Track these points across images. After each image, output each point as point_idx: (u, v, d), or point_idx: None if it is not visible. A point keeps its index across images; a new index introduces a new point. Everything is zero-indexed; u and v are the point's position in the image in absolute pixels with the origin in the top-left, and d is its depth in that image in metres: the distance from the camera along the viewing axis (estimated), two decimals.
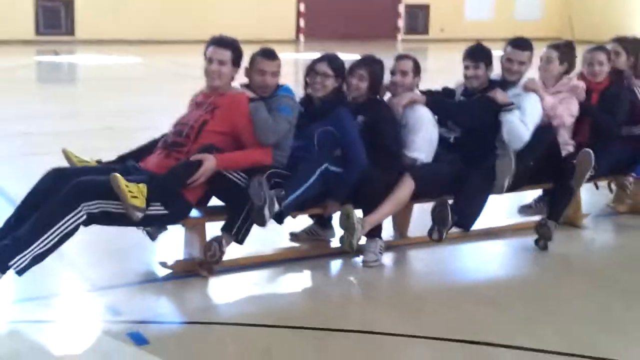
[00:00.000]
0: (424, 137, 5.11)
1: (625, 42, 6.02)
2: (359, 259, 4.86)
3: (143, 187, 4.13)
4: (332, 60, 5.00)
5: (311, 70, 4.99)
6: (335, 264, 4.91)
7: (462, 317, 4.14)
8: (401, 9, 24.19)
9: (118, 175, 4.03)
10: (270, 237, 5.00)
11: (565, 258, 5.20)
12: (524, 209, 6.04)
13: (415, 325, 4.01)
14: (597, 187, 6.02)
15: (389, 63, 5.25)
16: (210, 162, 4.34)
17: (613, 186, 6.01)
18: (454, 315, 4.18)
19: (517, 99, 5.30)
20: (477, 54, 5.34)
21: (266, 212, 4.33)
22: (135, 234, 4.71)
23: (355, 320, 4.11)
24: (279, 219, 4.58)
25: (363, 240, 4.81)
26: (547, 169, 5.35)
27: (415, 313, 4.20)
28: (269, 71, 4.78)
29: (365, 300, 4.50)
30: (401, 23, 24.36)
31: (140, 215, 4.09)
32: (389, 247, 5.07)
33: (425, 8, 24.54)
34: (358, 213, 4.76)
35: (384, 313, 4.20)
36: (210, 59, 4.66)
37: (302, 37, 22.82)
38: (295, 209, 4.65)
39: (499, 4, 25.23)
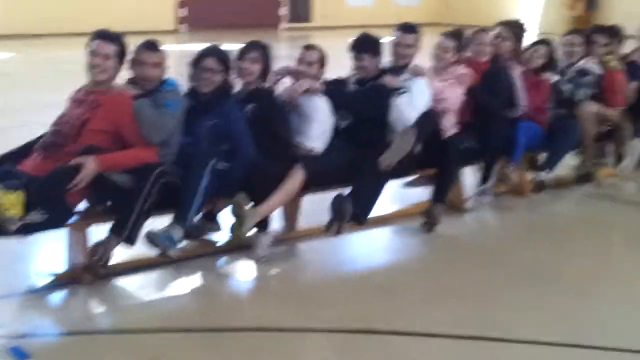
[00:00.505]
0: (319, 127, 5.09)
1: (510, 26, 6.18)
2: (250, 255, 4.78)
3: (19, 194, 3.91)
4: (219, 55, 4.89)
5: (197, 65, 4.86)
6: (225, 262, 4.82)
7: (357, 307, 4.15)
8: None
9: None
10: None
11: (453, 241, 5.30)
12: (409, 184, 6.07)
13: (310, 318, 3.99)
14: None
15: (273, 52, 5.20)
16: (90, 165, 4.15)
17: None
18: (349, 305, 4.18)
19: (407, 83, 5.36)
20: (361, 46, 5.36)
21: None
22: (14, 243, 4.46)
23: (248, 318, 4.03)
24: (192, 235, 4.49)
25: (253, 234, 4.75)
26: (432, 152, 5.42)
27: (309, 306, 4.17)
28: (149, 63, 4.63)
29: (258, 296, 4.44)
30: (284, 11, 24.28)
31: (15, 226, 3.89)
32: (279, 240, 5.02)
33: None
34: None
35: (278, 308, 4.14)
36: (93, 52, 4.47)
37: (183, 28, 22.39)
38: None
39: None
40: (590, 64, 6.39)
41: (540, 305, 4.23)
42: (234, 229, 4.65)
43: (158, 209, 4.40)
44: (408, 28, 5.56)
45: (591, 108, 6.28)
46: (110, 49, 4.48)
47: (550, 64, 6.22)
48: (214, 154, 4.61)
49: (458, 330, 3.85)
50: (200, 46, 5.00)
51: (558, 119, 6.20)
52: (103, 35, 4.52)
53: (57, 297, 4.24)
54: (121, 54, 4.53)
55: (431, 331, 3.84)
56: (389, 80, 5.31)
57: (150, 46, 4.68)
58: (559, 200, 6.24)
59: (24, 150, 4.51)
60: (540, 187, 6.01)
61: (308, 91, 5.10)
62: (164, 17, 22.32)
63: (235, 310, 4.18)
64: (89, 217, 4.45)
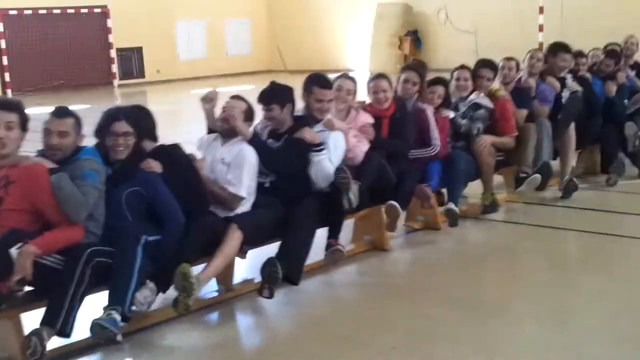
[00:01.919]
0: (247, 174, 4.93)
1: (416, 69, 6.28)
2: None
3: None
4: (129, 116, 4.58)
5: (105, 130, 4.52)
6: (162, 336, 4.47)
7: None
8: (113, 53, 23.47)
9: None
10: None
11: (382, 281, 5.35)
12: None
13: None
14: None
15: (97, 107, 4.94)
16: (28, 254, 3.79)
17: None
18: None
19: (323, 135, 5.29)
20: (268, 97, 5.23)
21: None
22: None
23: None
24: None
25: None
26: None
27: None
28: (56, 131, 4.26)
29: None
30: (115, 68, 23.64)
31: None
32: (215, 303, 4.80)
33: (138, 51, 24.06)
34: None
35: None
36: None
37: (9, 92, 21.21)
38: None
39: (211, 42, 25.46)
40: (481, 98, 6.63)
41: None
42: (179, 303, 4.34)
43: (92, 287, 4.07)
44: (327, 84, 5.44)
45: (486, 140, 6.50)
46: (11, 117, 4.13)
47: (446, 102, 6.41)
48: (143, 228, 4.32)
49: None
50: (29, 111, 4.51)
51: (454, 153, 6.36)
52: (3, 105, 4.16)
53: None
54: (24, 123, 4.18)
55: None
56: (308, 135, 5.21)
57: (58, 113, 4.33)
58: (471, 230, 6.41)
59: None
60: (453, 219, 6.10)
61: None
62: None
63: None
64: (21, 304, 4.00)
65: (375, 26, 23.37)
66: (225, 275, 4.97)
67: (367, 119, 5.78)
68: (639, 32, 13.89)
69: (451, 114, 6.44)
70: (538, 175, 6.67)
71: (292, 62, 25.21)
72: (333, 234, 5.24)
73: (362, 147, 5.57)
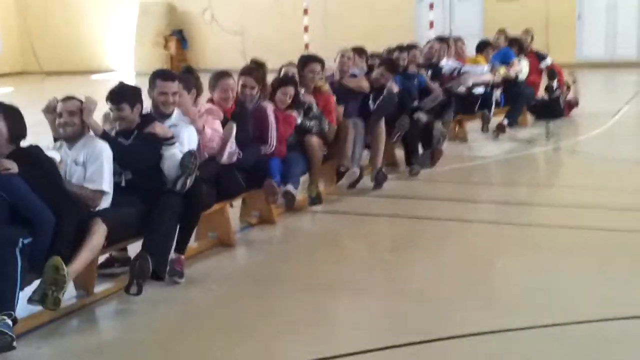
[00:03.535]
0: (107, 169, 4.89)
1: (253, 73, 6.48)
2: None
3: None
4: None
5: None
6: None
7: None
8: None
9: None
10: None
11: (242, 273, 5.59)
12: None
13: None
14: (231, 206, 6.36)
15: None
16: None
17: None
18: None
19: (174, 130, 5.35)
20: (118, 97, 5.22)
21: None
22: None
23: None
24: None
25: None
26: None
27: None
28: None
29: None
30: None
31: None
32: (75, 309, 4.73)
33: None
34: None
35: None
36: None
37: None
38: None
39: None
40: (304, 96, 6.99)
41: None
42: (47, 298, 4.25)
43: None
44: (170, 76, 5.52)
45: (315, 139, 6.90)
46: None
47: (296, 101, 6.77)
48: (19, 231, 4.20)
49: None
50: None
51: (290, 149, 6.72)
52: None
53: None
54: None
55: None
56: (160, 129, 5.25)
57: None
58: (302, 221, 6.79)
59: None
60: (290, 200, 6.47)
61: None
62: None
63: None
64: None
65: (138, 25, 22.99)
66: (85, 279, 4.88)
67: (211, 106, 5.98)
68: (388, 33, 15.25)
69: (299, 119, 6.76)
70: (357, 169, 7.20)
71: (49, 62, 24.02)
72: (185, 234, 5.32)
73: (215, 127, 5.75)
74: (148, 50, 22.69)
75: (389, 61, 8.41)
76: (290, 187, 6.45)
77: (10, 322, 3.96)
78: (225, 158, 5.82)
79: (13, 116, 4.61)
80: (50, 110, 5.07)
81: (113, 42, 24.08)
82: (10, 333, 3.92)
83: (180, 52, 22.91)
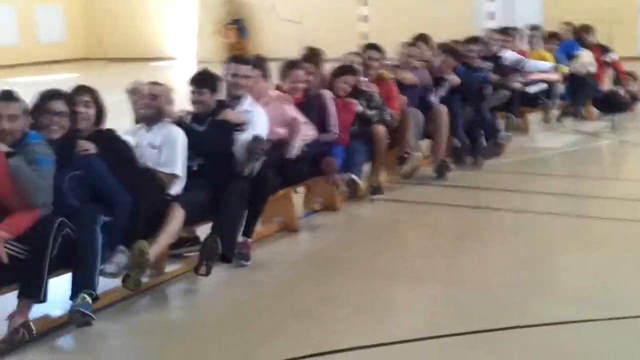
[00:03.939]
0: (182, 154, 5.03)
1: (312, 59, 6.55)
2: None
3: None
4: (65, 97, 4.55)
5: (41, 110, 4.43)
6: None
7: None
8: None
9: None
10: None
11: (306, 258, 5.67)
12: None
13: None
14: (296, 192, 6.44)
15: None
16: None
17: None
18: None
19: (247, 115, 5.45)
20: (201, 80, 5.37)
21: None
22: None
23: None
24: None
25: None
26: None
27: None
28: (5, 115, 4.16)
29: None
30: None
31: None
32: (146, 288, 4.85)
33: None
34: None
35: None
36: None
37: None
38: None
39: (22, 29, 24.18)
40: (365, 85, 7.03)
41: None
42: (130, 280, 4.46)
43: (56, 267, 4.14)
44: (242, 59, 5.65)
45: (381, 129, 6.92)
46: None
47: (355, 91, 6.77)
48: (100, 209, 4.36)
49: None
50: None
51: (352, 138, 6.76)
52: None
53: None
54: None
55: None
56: (232, 115, 5.36)
57: (5, 97, 4.23)
58: (365, 209, 6.83)
59: None
60: (354, 188, 6.54)
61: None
62: None
63: None
64: None
65: (199, 14, 23.29)
66: (157, 259, 5.01)
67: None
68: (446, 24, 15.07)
69: (359, 107, 6.78)
70: (419, 154, 7.27)
71: (112, 49, 24.54)
72: (252, 218, 5.42)
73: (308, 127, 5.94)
74: (208, 39, 22.98)
75: (452, 50, 8.40)
76: (354, 175, 6.50)
77: (90, 301, 4.10)
78: (294, 152, 5.89)
79: (99, 100, 4.80)
80: (134, 92, 5.23)
81: (174, 30, 24.44)
82: (89, 314, 4.06)
83: (239, 40, 23.11)
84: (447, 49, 8.41)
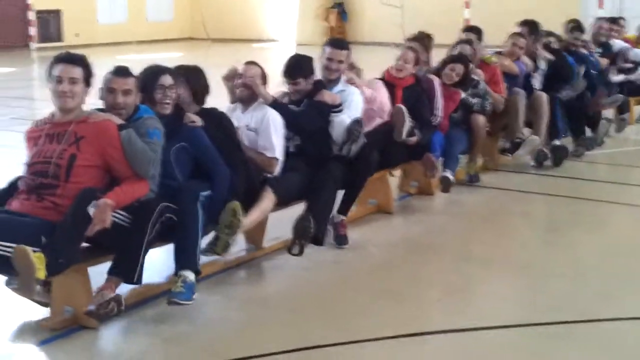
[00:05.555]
0: (277, 136, 5.13)
1: (420, 41, 6.59)
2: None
3: (41, 256, 3.66)
4: (172, 71, 4.70)
5: (151, 85, 4.58)
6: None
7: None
8: (31, 16, 22.72)
9: (25, 247, 3.57)
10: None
11: (402, 241, 5.71)
12: None
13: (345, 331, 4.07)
14: (392, 175, 6.50)
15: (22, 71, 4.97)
16: (106, 207, 3.90)
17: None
18: None
19: (342, 95, 5.53)
20: (294, 72, 5.43)
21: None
22: None
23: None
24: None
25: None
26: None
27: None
28: (120, 89, 4.33)
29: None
30: (33, 31, 22.88)
31: (39, 288, 3.69)
32: (243, 262, 5.02)
33: (56, 13, 23.35)
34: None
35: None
36: (59, 78, 4.14)
37: None
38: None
39: (132, 7, 24.94)
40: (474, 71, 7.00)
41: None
42: (219, 241, 4.54)
43: (155, 242, 4.25)
44: (339, 44, 5.73)
45: (481, 118, 6.89)
46: (76, 72, 4.18)
47: (464, 80, 6.73)
48: (199, 186, 4.48)
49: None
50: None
51: (453, 126, 6.74)
52: (67, 59, 4.22)
53: (55, 349, 3.91)
54: (88, 78, 4.24)
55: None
56: (328, 96, 5.44)
57: (121, 72, 4.40)
58: (461, 194, 6.80)
59: (8, 191, 4.19)
60: (447, 186, 6.48)
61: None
62: None
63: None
64: (87, 258, 4.12)
65: None
66: (256, 234, 5.18)
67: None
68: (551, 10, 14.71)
69: (463, 94, 6.76)
70: (536, 137, 7.28)
71: (215, 30, 25.05)
72: (349, 198, 5.51)
73: (382, 92, 5.96)
74: (310, 22, 23.17)
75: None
76: (448, 173, 6.47)
77: (193, 279, 4.18)
78: (404, 135, 5.91)
79: (196, 77, 4.89)
80: (229, 78, 5.37)
81: (276, 12, 24.74)
82: (186, 303, 4.10)
83: (340, 24, 23.22)
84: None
